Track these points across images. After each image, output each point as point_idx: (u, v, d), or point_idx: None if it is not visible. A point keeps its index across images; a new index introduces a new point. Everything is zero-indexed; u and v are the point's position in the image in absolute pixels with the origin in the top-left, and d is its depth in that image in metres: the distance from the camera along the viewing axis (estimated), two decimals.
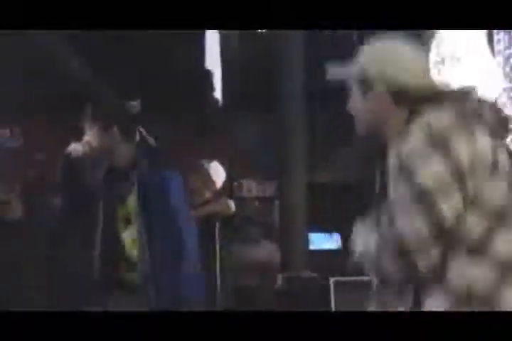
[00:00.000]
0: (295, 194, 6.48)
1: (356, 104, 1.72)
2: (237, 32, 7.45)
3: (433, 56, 5.78)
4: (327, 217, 7.48)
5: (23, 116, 7.34)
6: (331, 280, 5.22)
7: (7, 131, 7.65)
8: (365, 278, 5.51)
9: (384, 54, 1.69)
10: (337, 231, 7.77)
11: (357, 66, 1.70)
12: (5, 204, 5.74)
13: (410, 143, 1.53)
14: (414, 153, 1.52)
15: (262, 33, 7.17)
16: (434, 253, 1.51)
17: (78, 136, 2.87)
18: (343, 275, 5.47)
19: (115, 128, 2.80)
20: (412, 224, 1.50)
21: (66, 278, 3.87)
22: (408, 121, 1.59)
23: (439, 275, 1.53)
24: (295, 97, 6.43)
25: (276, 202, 7.26)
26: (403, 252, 1.51)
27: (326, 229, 7.74)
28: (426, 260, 1.50)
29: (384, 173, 1.62)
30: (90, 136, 2.81)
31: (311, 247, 6.85)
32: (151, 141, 3.00)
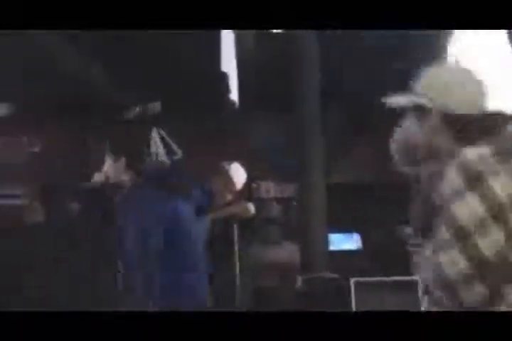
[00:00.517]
0: (314, 194, 6.46)
1: (408, 134, 1.74)
2: (252, 32, 7.45)
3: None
4: (347, 218, 7.45)
5: (41, 121, 7.39)
6: (352, 280, 5.20)
7: (25, 136, 7.71)
8: (385, 279, 5.47)
9: (440, 81, 1.71)
10: (357, 231, 7.73)
11: (414, 94, 1.72)
12: (26, 207, 5.80)
13: (448, 184, 1.58)
14: (452, 193, 1.56)
15: (277, 33, 7.17)
16: (479, 288, 1.51)
17: (100, 165, 3.18)
18: (363, 275, 5.45)
19: (123, 161, 3.07)
20: (452, 261, 1.53)
21: (83, 278, 3.92)
22: (451, 153, 1.62)
23: (490, 307, 1.54)
24: (312, 98, 6.41)
25: (296, 203, 7.24)
26: (449, 287, 1.53)
27: (346, 229, 7.71)
28: (471, 295, 1.51)
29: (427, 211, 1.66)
30: (106, 167, 3.10)
31: (331, 248, 6.82)
32: (177, 149, 3.16)
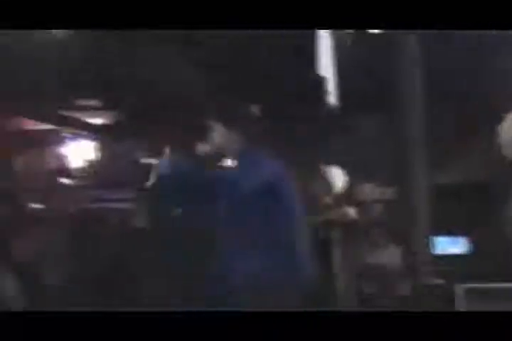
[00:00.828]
0: (418, 196, 6.30)
1: None
2: (351, 32, 7.38)
3: None
4: (453, 220, 7.24)
5: (146, 126, 7.58)
6: (459, 286, 5.03)
7: (132, 141, 7.93)
8: (496, 285, 5.24)
9: None
10: (464, 234, 7.49)
11: None
12: (133, 211, 5.96)
13: None
14: None
15: (377, 33, 7.06)
16: None
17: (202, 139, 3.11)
18: (471, 281, 5.25)
19: (232, 130, 2.98)
20: None
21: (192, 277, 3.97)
22: None
23: None
24: (413, 98, 6.27)
25: (399, 205, 7.10)
26: None
27: (453, 232, 7.49)
28: None
29: None
30: (213, 136, 3.02)
31: (436, 252, 6.63)
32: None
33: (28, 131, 7.29)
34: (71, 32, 5.81)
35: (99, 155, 7.71)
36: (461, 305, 4.88)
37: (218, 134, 3.10)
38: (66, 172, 7.07)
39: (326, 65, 7.83)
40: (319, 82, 7.77)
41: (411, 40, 6.33)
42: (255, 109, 3.26)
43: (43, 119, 7.29)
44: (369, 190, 7.78)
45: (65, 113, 7.56)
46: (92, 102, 7.71)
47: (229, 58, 6.89)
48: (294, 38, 6.52)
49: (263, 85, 6.98)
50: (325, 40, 7.79)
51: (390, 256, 6.09)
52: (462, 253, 7.40)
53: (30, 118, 7.17)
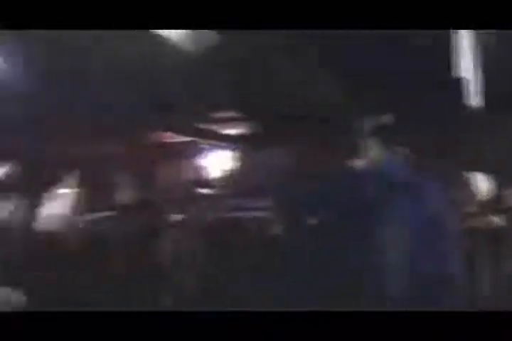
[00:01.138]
0: None
1: None
2: (494, 32, 7.06)
3: None
4: None
5: (282, 136, 7.61)
6: None
7: (269, 150, 7.99)
8: None
9: None
10: None
11: None
12: (265, 221, 6.01)
13: None
14: None
15: None
16: None
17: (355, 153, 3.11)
18: None
19: (378, 145, 2.98)
20: None
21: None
22: None
23: None
24: None
25: None
26: None
27: None
28: None
29: None
30: (366, 153, 3.03)
31: None
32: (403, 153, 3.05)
33: (167, 144, 7.55)
34: (204, 46, 5.95)
35: (237, 164, 7.85)
36: None
37: (372, 151, 3.09)
38: (204, 182, 7.26)
39: (469, 66, 7.54)
40: (461, 84, 7.48)
41: None
42: (395, 118, 3.21)
43: (181, 132, 7.53)
44: None
45: (202, 125, 7.77)
46: (229, 113, 7.86)
47: (362, 60, 6.77)
48: (433, 38, 6.33)
49: (400, 87, 6.80)
50: (466, 41, 7.51)
51: None
52: None
53: (168, 131, 7.42)
